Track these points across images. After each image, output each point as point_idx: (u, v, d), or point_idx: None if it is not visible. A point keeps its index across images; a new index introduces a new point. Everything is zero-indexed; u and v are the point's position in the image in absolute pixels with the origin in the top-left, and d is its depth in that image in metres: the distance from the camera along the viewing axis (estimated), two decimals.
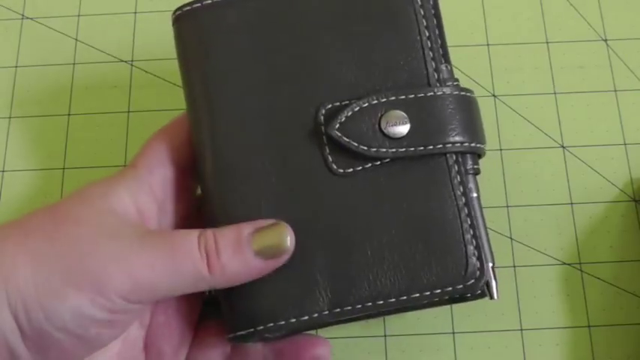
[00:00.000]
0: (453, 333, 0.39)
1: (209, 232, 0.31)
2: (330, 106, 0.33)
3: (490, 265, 0.33)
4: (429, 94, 0.33)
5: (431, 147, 0.33)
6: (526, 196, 0.42)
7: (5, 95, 0.45)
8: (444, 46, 0.34)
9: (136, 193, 0.32)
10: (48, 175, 0.43)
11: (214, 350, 0.34)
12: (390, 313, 0.34)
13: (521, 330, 0.39)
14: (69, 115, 0.44)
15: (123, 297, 0.29)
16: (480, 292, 0.33)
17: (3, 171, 0.43)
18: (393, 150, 0.33)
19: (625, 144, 0.43)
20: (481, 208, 0.34)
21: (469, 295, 0.33)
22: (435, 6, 0.35)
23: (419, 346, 0.39)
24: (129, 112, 0.44)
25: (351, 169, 0.33)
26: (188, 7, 0.35)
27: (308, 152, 0.33)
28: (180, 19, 0.35)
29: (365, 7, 0.34)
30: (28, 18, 0.47)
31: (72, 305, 0.28)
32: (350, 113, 0.33)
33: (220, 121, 0.33)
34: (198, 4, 0.35)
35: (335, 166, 0.33)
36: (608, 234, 0.41)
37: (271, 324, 0.32)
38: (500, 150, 0.43)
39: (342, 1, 0.35)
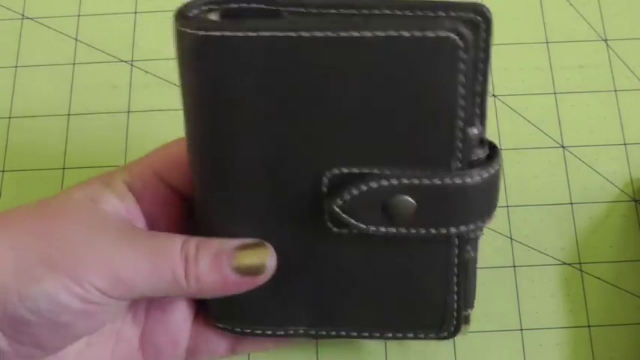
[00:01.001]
0: None
1: (193, 239, 0.31)
2: (337, 172, 0.29)
3: (469, 311, 0.33)
4: (447, 181, 0.28)
5: (434, 232, 0.30)
6: (526, 196, 0.42)
7: (5, 95, 0.45)
8: (482, 106, 0.29)
9: (124, 197, 0.32)
10: (48, 175, 0.43)
11: (217, 342, 0.34)
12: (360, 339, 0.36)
13: (521, 330, 0.39)
14: (69, 115, 0.44)
15: (98, 288, 0.29)
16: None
17: (3, 171, 0.43)
18: (393, 230, 0.30)
19: (625, 144, 0.43)
20: (475, 261, 0.32)
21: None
22: (486, 49, 0.29)
23: (419, 345, 0.39)
24: (129, 112, 0.44)
25: (346, 231, 0.30)
26: (203, 33, 0.27)
27: (306, 207, 0.30)
28: (192, 41, 0.28)
29: (399, 81, 0.27)
30: (28, 18, 0.47)
31: (45, 288, 0.28)
32: (355, 192, 0.29)
33: (217, 160, 0.30)
34: (217, 34, 0.27)
35: (330, 225, 0.30)
36: (608, 234, 0.41)
37: (248, 330, 0.33)
38: (500, 150, 0.43)
39: (372, 64, 0.27)
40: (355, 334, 0.33)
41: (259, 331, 0.33)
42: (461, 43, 0.26)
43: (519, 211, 0.42)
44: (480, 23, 0.28)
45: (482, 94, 0.29)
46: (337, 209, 0.29)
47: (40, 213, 0.30)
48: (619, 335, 0.39)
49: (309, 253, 0.32)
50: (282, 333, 0.33)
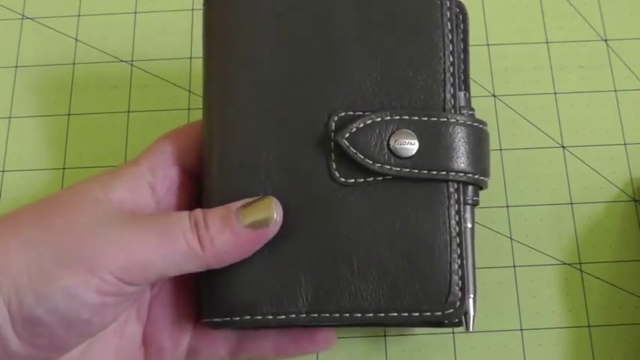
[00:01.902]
0: (453, 333, 0.39)
1: (198, 210, 0.31)
2: (343, 114, 0.33)
3: (471, 296, 0.33)
4: (442, 119, 0.33)
5: (434, 172, 0.33)
6: (526, 196, 0.42)
7: (5, 95, 0.45)
8: (466, 73, 0.35)
9: (135, 189, 0.32)
10: (48, 175, 0.43)
11: (218, 340, 0.34)
12: (365, 325, 0.34)
13: (521, 330, 0.39)
14: (69, 115, 0.44)
15: (115, 275, 0.29)
16: (456, 320, 0.33)
17: (3, 171, 0.43)
18: (397, 169, 0.33)
19: (625, 144, 0.43)
20: (473, 239, 0.34)
21: (445, 321, 0.33)
22: (465, 31, 0.36)
23: (419, 346, 0.39)
24: (129, 112, 0.44)
25: (352, 180, 0.33)
26: None
27: (314, 156, 0.33)
28: (211, 1, 0.35)
29: (395, 21, 0.34)
30: (28, 18, 0.47)
31: (63, 286, 0.28)
32: (361, 125, 0.33)
33: (232, 108, 0.33)
34: None
35: (337, 174, 0.33)
36: (608, 234, 0.41)
37: (248, 317, 0.32)
38: (500, 150, 0.43)
39: (375, 12, 0.34)
40: (359, 315, 0.32)
41: (259, 316, 0.32)
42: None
43: (519, 211, 0.42)
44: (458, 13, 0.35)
45: (466, 64, 0.35)
46: (345, 141, 0.32)
47: (49, 209, 0.31)
48: (619, 335, 0.39)
49: (315, 210, 0.33)
50: (284, 317, 0.32)
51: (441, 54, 0.34)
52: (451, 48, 0.34)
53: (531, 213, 0.42)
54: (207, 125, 0.34)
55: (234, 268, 0.32)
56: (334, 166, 0.33)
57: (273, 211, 0.31)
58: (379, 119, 0.33)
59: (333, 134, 0.33)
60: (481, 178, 0.34)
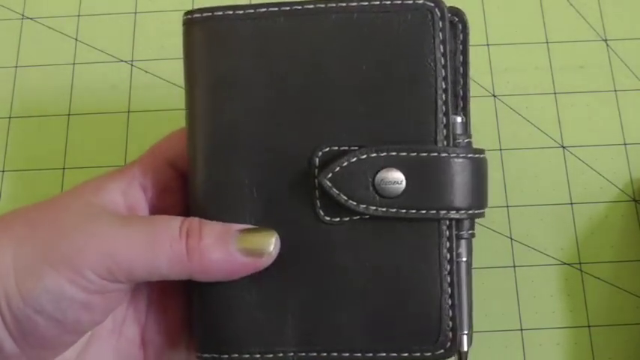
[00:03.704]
0: None
1: (195, 219, 0.31)
2: (327, 149, 0.31)
3: (465, 332, 0.32)
4: (433, 154, 0.30)
5: (424, 212, 0.31)
6: (526, 196, 0.42)
7: (5, 95, 0.45)
8: (465, 97, 0.33)
9: (127, 191, 0.32)
10: (48, 175, 0.43)
11: None
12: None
13: (521, 330, 0.39)
14: (69, 115, 0.44)
15: (98, 274, 0.29)
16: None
17: (3, 171, 0.43)
18: (383, 209, 0.31)
19: (625, 144, 0.43)
20: (470, 272, 0.32)
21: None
22: (465, 42, 0.33)
23: None
24: (129, 112, 0.44)
25: (337, 219, 0.31)
26: (199, 15, 0.32)
27: (298, 194, 0.31)
28: (192, 23, 0.32)
29: (384, 48, 0.31)
30: (28, 18, 0.47)
31: (48, 285, 0.28)
32: (345, 164, 0.31)
33: (216, 135, 0.32)
34: (209, 14, 0.32)
35: (322, 213, 0.31)
36: (608, 234, 0.41)
37: (236, 355, 0.31)
38: (500, 150, 0.43)
39: (362, 39, 0.31)
40: (347, 354, 0.31)
41: (247, 355, 0.31)
42: (437, 12, 0.31)
43: (519, 211, 0.42)
44: (457, 23, 0.32)
45: (465, 82, 0.32)
46: (327, 182, 0.30)
47: (40, 209, 0.31)
48: (619, 335, 0.39)
49: (301, 249, 0.31)
50: (271, 356, 0.31)
51: (432, 80, 0.31)
52: (444, 73, 0.31)
53: (531, 213, 0.42)
54: (192, 153, 0.32)
55: (224, 303, 0.32)
56: (319, 204, 0.31)
57: (272, 245, 0.31)
58: (364, 156, 0.31)
59: (316, 172, 0.31)
60: (477, 212, 0.31)
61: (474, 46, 0.46)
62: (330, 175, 0.31)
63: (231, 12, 0.32)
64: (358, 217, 0.31)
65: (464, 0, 0.47)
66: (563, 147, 0.43)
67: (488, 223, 0.41)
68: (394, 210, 0.31)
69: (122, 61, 0.46)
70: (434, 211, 0.30)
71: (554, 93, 0.44)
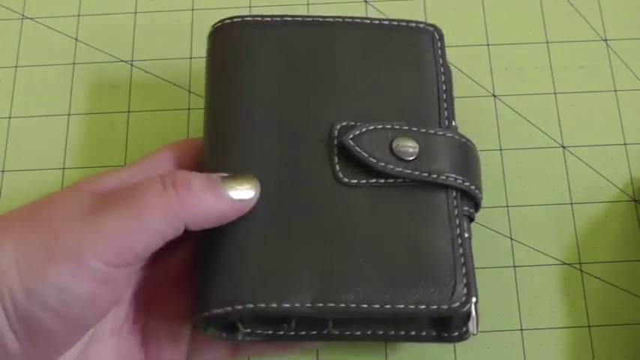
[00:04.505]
0: None
1: (177, 171, 0.32)
2: (345, 123, 0.35)
3: (474, 299, 0.33)
4: (439, 132, 0.35)
5: (435, 176, 0.34)
6: (526, 196, 0.42)
7: (5, 95, 0.45)
8: (452, 106, 0.37)
9: (128, 180, 0.32)
10: (48, 175, 0.43)
11: (218, 344, 0.34)
12: (373, 337, 0.34)
13: (522, 330, 0.39)
14: (69, 115, 0.44)
15: (100, 259, 0.29)
16: (458, 333, 0.34)
17: (3, 171, 0.43)
18: (400, 169, 0.34)
19: (625, 144, 0.43)
20: (471, 249, 0.34)
21: (448, 335, 0.34)
22: (442, 51, 0.38)
23: (419, 346, 0.39)
24: (129, 112, 0.44)
25: (355, 181, 0.34)
26: (229, 21, 0.38)
27: (318, 158, 0.34)
28: (220, 30, 0.38)
29: (394, 54, 0.37)
30: (28, 18, 0.47)
31: (52, 280, 0.28)
32: (364, 129, 0.34)
33: (237, 120, 0.35)
34: (239, 19, 0.38)
35: (341, 175, 0.34)
36: (608, 234, 0.41)
37: (251, 305, 0.31)
38: (501, 150, 0.43)
39: (371, 43, 0.37)
40: (365, 306, 0.32)
41: (262, 304, 0.31)
42: (436, 34, 0.38)
43: (519, 211, 0.42)
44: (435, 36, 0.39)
45: (450, 94, 0.37)
46: (350, 142, 0.34)
47: (38, 207, 0.31)
48: (619, 335, 0.39)
49: (320, 209, 0.33)
50: (288, 306, 0.31)
51: (435, 84, 0.37)
52: (443, 78, 0.37)
53: (531, 213, 0.41)
54: (210, 132, 0.35)
55: (238, 257, 0.32)
56: (338, 167, 0.34)
57: (254, 187, 0.32)
58: (381, 126, 0.35)
59: (336, 138, 0.35)
60: (476, 190, 0.35)
61: (474, 46, 0.46)
62: (351, 137, 0.34)
63: (259, 18, 0.38)
64: (374, 180, 0.34)
65: (464, 0, 0.47)
66: (563, 147, 0.43)
67: (488, 223, 0.41)
68: (409, 171, 0.34)
69: (122, 61, 0.46)
70: (443, 177, 0.34)
71: (554, 93, 0.44)
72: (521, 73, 0.45)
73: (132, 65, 0.45)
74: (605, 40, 0.46)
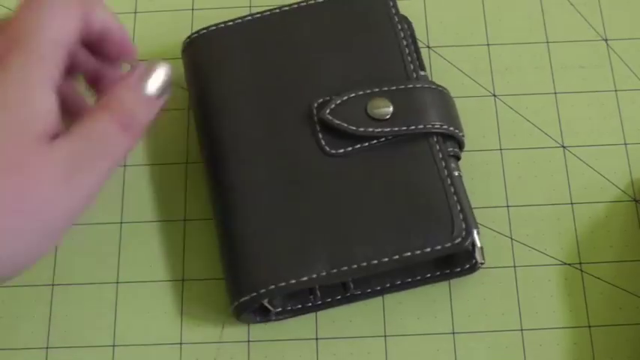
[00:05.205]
0: (453, 333, 0.39)
1: (117, 105, 0.34)
2: (321, 100, 0.38)
3: (475, 230, 0.36)
4: (409, 86, 0.38)
5: (413, 127, 0.37)
6: (526, 196, 0.42)
7: None
8: (419, 58, 0.40)
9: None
10: None
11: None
12: (393, 289, 0.38)
13: (522, 330, 0.39)
14: None
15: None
16: (469, 265, 0.37)
17: None
18: (379, 130, 0.37)
19: (625, 144, 0.43)
20: (463, 185, 0.37)
21: (459, 268, 0.38)
22: (410, 27, 0.41)
23: (419, 346, 0.39)
24: None
25: (342, 150, 0.37)
26: (196, 34, 0.41)
27: (304, 137, 0.37)
28: (189, 46, 0.42)
29: (349, 23, 0.40)
30: None
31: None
32: (339, 101, 0.37)
33: (224, 113, 0.39)
34: (204, 31, 0.41)
35: (327, 148, 0.37)
36: (608, 234, 0.41)
37: (272, 286, 0.35)
38: (501, 150, 0.43)
39: (329, 21, 0.40)
40: (376, 262, 0.35)
41: (283, 282, 0.35)
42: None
43: (519, 211, 0.42)
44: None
45: (417, 50, 0.40)
46: (328, 116, 0.37)
47: None
48: (619, 335, 0.39)
49: (313, 183, 0.37)
50: (306, 279, 0.35)
51: (396, 41, 0.40)
52: (402, 34, 0.40)
53: (531, 213, 0.41)
54: (203, 127, 0.40)
55: (250, 251, 0.36)
56: (323, 141, 0.37)
57: (167, 72, 0.35)
58: (353, 95, 0.38)
59: (315, 115, 0.38)
60: (456, 130, 0.38)
61: (474, 46, 0.46)
62: (328, 111, 0.37)
63: (222, 25, 0.41)
64: (358, 145, 0.37)
65: (464, 0, 0.47)
66: (563, 147, 0.43)
67: (488, 223, 0.41)
68: (387, 130, 0.37)
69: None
70: (421, 126, 0.37)
71: (554, 93, 0.44)
72: (521, 73, 0.45)
73: (132, 65, 0.45)
74: (605, 40, 0.46)
